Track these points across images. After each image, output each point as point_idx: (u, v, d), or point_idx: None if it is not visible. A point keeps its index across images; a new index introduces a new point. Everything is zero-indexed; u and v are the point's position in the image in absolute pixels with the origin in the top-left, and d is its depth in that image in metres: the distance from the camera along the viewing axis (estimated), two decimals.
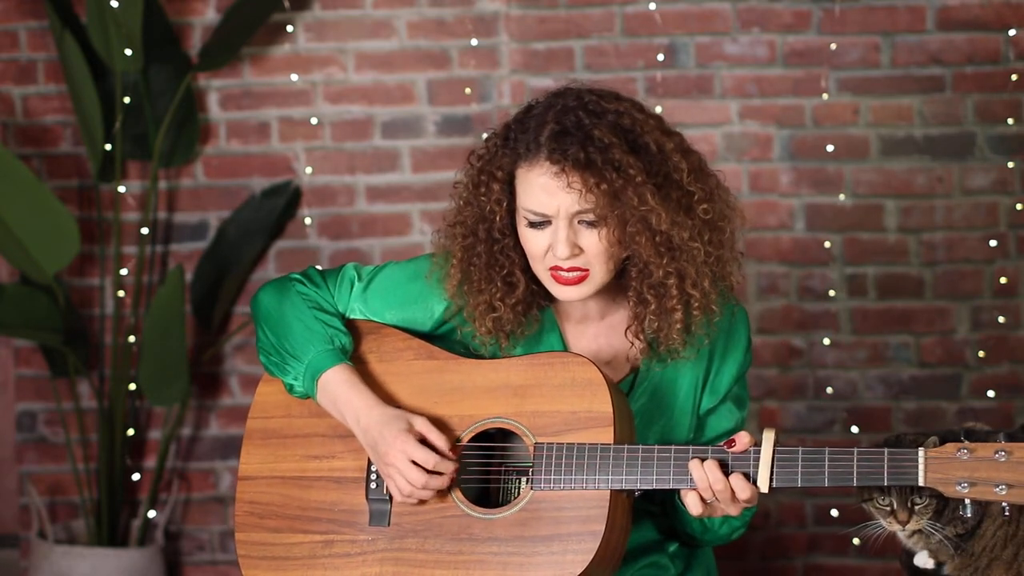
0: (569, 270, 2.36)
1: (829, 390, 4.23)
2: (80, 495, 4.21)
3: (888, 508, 2.51)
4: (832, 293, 4.22)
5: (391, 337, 2.50)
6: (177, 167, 4.32)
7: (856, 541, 4.16)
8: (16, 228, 3.98)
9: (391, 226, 4.31)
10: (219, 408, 4.35)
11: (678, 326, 2.38)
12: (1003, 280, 4.20)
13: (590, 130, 2.32)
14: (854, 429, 4.21)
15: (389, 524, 2.40)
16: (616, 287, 2.46)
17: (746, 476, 2.28)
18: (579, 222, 2.35)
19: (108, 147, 4.19)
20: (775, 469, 2.27)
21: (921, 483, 2.20)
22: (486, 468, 2.43)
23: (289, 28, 4.29)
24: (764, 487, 2.27)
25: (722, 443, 2.31)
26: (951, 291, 4.22)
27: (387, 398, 2.45)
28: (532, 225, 2.37)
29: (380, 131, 4.31)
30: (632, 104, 2.39)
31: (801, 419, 4.24)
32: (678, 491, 2.39)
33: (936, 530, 2.52)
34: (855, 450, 2.24)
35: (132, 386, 4.21)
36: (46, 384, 4.34)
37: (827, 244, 4.22)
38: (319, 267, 2.61)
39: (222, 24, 4.21)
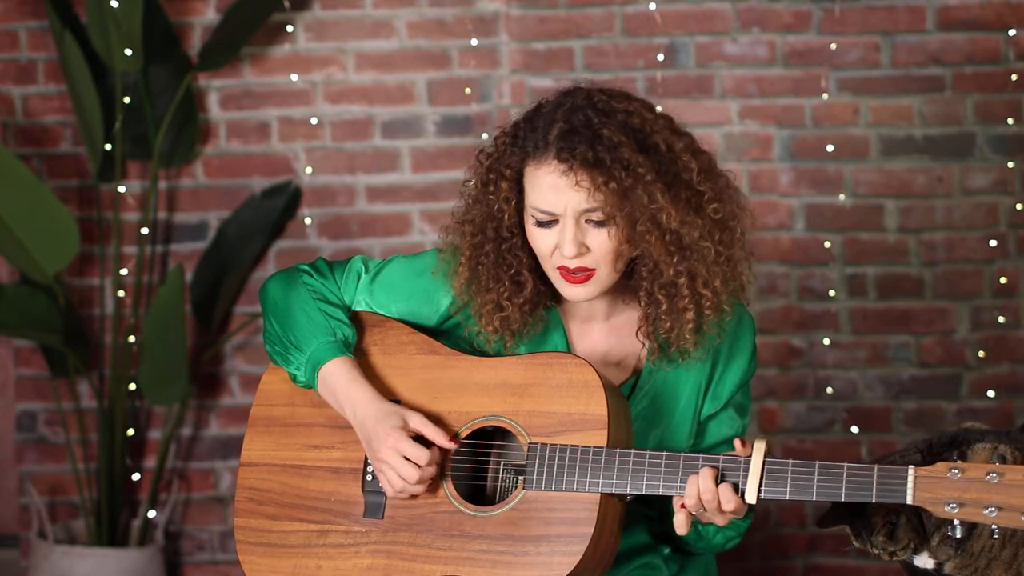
0: (576, 270, 2.35)
1: (829, 390, 4.22)
2: (80, 495, 4.21)
3: (876, 553, 2.51)
4: (832, 293, 4.22)
5: (395, 331, 2.50)
6: (177, 167, 4.32)
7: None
8: (16, 228, 3.98)
9: (391, 226, 4.30)
10: (219, 408, 4.35)
11: (690, 326, 2.37)
12: (1003, 280, 4.20)
13: (599, 129, 2.32)
14: (854, 429, 4.21)
15: (383, 517, 2.41)
16: (622, 289, 2.45)
17: (736, 487, 2.26)
18: (586, 221, 2.34)
19: (108, 147, 4.19)
20: (764, 481, 2.25)
21: (909, 501, 2.18)
22: (481, 465, 2.43)
23: (289, 28, 4.29)
24: (751, 498, 2.25)
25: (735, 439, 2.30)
26: (951, 291, 4.22)
27: (387, 392, 2.45)
28: (540, 224, 2.37)
29: (380, 131, 4.31)
30: (642, 104, 2.39)
31: (801, 419, 4.24)
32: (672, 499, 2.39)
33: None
34: (845, 465, 2.22)
35: (132, 386, 4.21)
36: (46, 384, 4.33)
37: (827, 244, 4.22)
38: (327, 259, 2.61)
39: (222, 24, 4.21)
